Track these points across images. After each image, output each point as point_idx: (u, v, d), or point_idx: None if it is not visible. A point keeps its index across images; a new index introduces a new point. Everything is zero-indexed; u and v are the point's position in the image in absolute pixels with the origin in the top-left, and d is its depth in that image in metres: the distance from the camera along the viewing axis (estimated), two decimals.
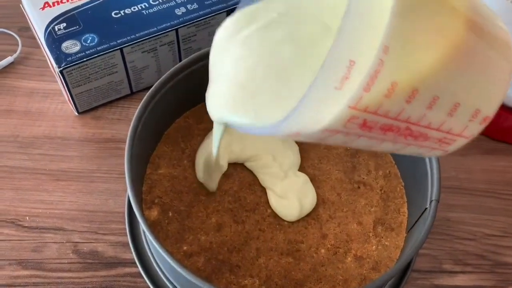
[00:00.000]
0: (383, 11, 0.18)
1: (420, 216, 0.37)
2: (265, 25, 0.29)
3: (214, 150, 0.36)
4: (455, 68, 0.21)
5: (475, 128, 0.24)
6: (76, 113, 0.50)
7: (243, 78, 0.29)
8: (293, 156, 0.42)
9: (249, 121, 0.27)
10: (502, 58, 0.23)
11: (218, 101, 0.30)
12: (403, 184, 0.42)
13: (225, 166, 0.41)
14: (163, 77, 0.40)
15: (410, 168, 0.41)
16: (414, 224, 0.38)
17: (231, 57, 0.30)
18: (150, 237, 0.33)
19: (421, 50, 0.20)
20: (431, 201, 0.35)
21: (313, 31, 0.26)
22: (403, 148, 0.24)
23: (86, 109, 0.50)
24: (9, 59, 0.53)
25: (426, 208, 0.36)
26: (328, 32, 0.25)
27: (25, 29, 0.54)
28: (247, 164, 0.42)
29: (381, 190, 0.42)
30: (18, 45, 0.54)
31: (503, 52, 0.23)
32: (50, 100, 0.51)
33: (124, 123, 0.49)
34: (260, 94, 0.27)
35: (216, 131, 0.34)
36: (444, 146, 0.24)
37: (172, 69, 0.40)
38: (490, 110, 0.24)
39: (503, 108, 0.48)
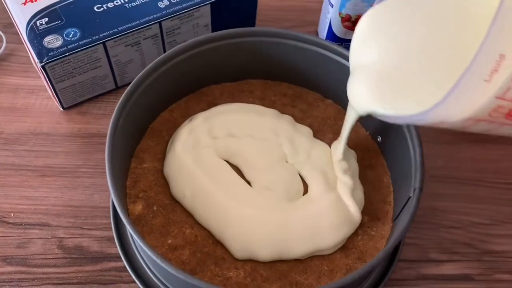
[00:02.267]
0: None
1: (405, 205, 0.37)
2: (407, 15, 0.29)
3: (344, 139, 0.38)
4: None
5: None
6: (61, 109, 0.49)
7: (388, 68, 0.29)
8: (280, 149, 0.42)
9: (395, 111, 0.28)
10: None
11: (363, 92, 0.31)
12: (389, 174, 0.42)
13: None
14: (145, 69, 0.39)
15: (396, 158, 0.40)
16: (399, 214, 0.38)
17: (375, 47, 0.31)
18: (131, 231, 0.33)
19: None
20: (414, 190, 0.35)
21: (459, 18, 0.27)
22: None
23: (71, 104, 0.49)
24: None
25: (409, 197, 0.36)
26: (473, 20, 0.26)
27: (10, 26, 0.54)
28: (233, 160, 0.41)
29: (367, 180, 0.41)
30: (2, 41, 0.53)
31: None
32: (35, 96, 0.50)
33: (110, 118, 0.48)
34: (406, 83, 0.28)
35: (351, 118, 0.36)
36: None
37: (155, 61, 0.40)
38: None
39: None
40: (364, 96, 0.31)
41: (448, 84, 0.21)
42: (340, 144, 0.39)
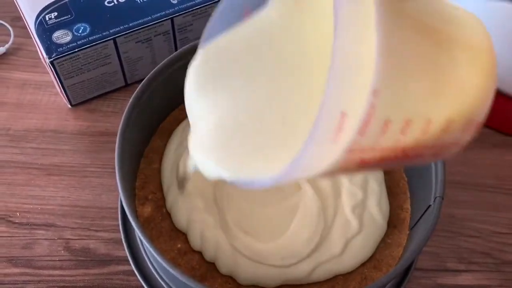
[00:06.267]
0: (369, 58, 0.18)
1: (424, 213, 0.35)
2: (248, 63, 0.26)
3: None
4: (451, 96, 0.22)
5: (468, 135, 0.24)
6: (69, 106, 0.48)
7: (230, 126, 0.26)
8: None
9: (240, 175, 0.25)
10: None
11: (204, 154, 0.27)
12: (406, 179, 0.40)
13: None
14: (157, 67, 0.38)
15: None
16: (417, 222, 0.37)
17: (209, 104, 0.27)
18: (141, 236, 0.32)
19: (415, 87, 0.20)
20: (435, 198, 0.34)
21: (295, 73, 0.25)
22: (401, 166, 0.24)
23: (80, 101, 0.48)
24: (1, 50, 0.51)
25: (430, 205, 0.34)
26: (311, 70, 0.24)
27: (17, 19, 0.53)
28: None
29: None
30: (10, 35, 0.52)
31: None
32: (42, 92, 0.49)
33: (119, 116, 0.47)
34: (250, 143, 0.26)
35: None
36: (440, 156, 0.24)
37: (167, 59, 0.39)
38: (481, 117, 0.24)
39: None
40: (206, 159, 0.27)
41: (294, 142, 0.20)
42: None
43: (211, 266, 0.36)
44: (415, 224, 0.37)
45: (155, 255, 0.31)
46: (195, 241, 0.36)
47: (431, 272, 0.41)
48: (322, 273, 0.35)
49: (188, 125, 0.41)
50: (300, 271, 0.35)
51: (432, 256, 0.41)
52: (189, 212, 0.36)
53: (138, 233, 0.36)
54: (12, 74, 0.50)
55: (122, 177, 0.34)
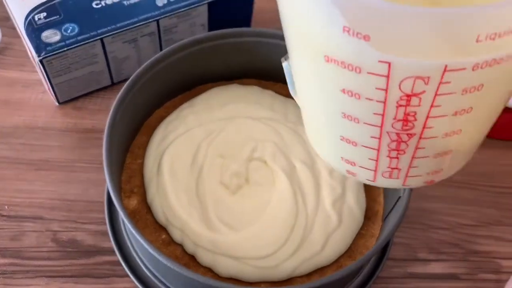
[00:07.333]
0: None
1: (395, 204, 0.38)
2: None
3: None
4: None
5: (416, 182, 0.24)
6: (57, 103, 0.50)
7: None
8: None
9: None
10: None
11: None
12: None
13: None
14: (143, 67, 0.40)
15: None
16: (389, 213, 0.39)
17: None
18: (129, 226, 0.33)
19: None
20: (404, 190, 0.36)
21: None
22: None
23: (67, 99, 0.50)
24: None
25: (399, 197, 0.37)
26: None
27: (5, 19, 0.54)
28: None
29: None
30: None
31: None
32: (30, 90, 0.50)
33: (105, 114, 0.49)
34: None
35: None
36: (383, 175, 0.24)
37: (152, 59, 0.40)
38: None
39: None
40: None
41: None
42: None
43: (194, 257, 0.37)
44: (387, 216, 0.39)
45: (143, 243, 0.32)
46: (176, 236, 0.37)
47: (403, 262, 0.43)
48: (303, 270, 0.37)
49: (169, 122, 0.43)
50: (282, 272, 0.36)
51: (404, 247, 0.44)
52: (168, 208, 0.38)
53: (125, 224, 0.38)
54: (0, 73, 0.51)
55: (110, 171, 0.35)
